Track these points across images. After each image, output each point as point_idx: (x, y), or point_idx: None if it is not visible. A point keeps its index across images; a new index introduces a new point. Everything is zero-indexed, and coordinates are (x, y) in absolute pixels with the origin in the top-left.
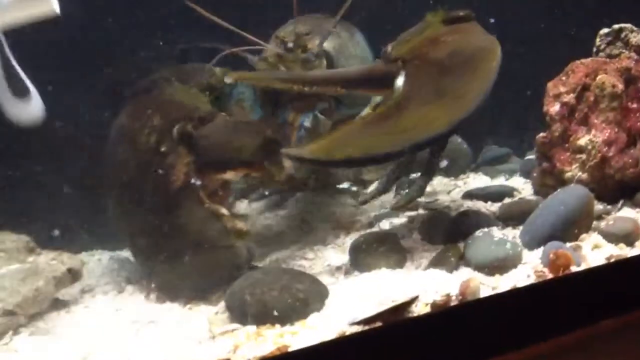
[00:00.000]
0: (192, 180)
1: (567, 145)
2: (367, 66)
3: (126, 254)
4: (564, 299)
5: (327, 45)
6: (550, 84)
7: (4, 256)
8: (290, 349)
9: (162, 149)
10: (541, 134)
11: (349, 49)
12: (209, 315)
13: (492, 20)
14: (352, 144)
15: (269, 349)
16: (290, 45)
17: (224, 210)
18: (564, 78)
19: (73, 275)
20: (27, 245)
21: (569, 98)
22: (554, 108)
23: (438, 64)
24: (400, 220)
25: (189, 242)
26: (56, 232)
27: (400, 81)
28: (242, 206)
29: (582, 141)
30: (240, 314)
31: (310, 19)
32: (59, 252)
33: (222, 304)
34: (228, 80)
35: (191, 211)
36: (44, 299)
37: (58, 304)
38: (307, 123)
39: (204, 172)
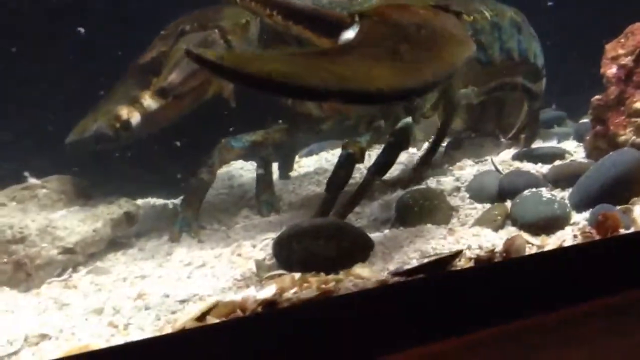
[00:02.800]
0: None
1: (622, 108)
2: (319, 7)
3: (179, 202)
4: (611, 260)
5: None
6: (608, 46)
7: (64, 198)
8: (333, 296)
9: (163, 32)
10: (596, 97)
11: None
12: (257, 261)
13: None
14: (273, 65)
15: (313, 294)
16: None
17: (145, 102)
18: (622, 40)
19: (129, 219)
20: (87, 189)
21: (627, 60)
22: (611, 70)
23: (400, 28)
24: (447, 178)
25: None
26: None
27: (349, 34)
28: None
29: (639, 105)
30: (287, 261)
31: None
32: (116, 196)
33: (269, 251)
34: None
35: (131, 87)
36: (101, 240)
37: (115, 245)
38: None
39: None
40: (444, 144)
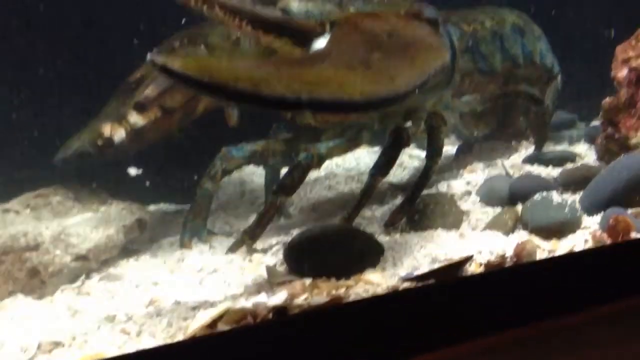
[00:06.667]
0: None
1: (633, 111)
2: (289, 17)
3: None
4: (623, 264)
5: (297, 5)
6: (619, 48)
7: (78, 205)
8: (344, 302)
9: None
10: (607, 99)
11: None
12: (268, 267)
13: None
14: (241, 74)
15: (323, 300)
16: None
17: (131, 118)
18: (633, 42)
19: (141, 225)
20: (100, 195)
21: (638, 63)
22: (622, 73)
23: (371, 36)
24: (458, 182)
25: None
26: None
27: (320, 44)
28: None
29: None
30: (298, 267)
31: None
32: (129, 202)
33: (280, 257)
34: None
35: (120, 104)
36: (114, 246)
37: (127, 252)
38: None
39: None
40: (454, 147)
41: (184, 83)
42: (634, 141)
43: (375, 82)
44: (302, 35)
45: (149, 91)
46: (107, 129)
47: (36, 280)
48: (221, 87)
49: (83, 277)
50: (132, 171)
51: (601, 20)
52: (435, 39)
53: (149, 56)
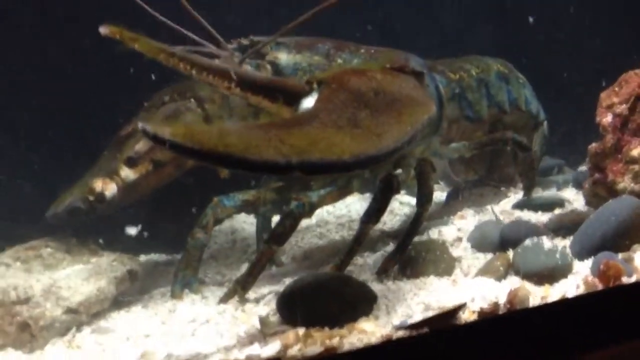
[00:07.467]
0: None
1: (619, 156)
2: (277, 77)
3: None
4: (615, 310)
5: (285, 57)
6: (603, 95)
7: (68, 257)
8: (338, 352)
9: (146, 104)
10: (593, 145)
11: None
12: (261, 317)
13: None
14: (230, 140)
15: (317, 350)
16: (233, 46)
17: (122, 173)
18: (617, 89)
19: (132, 276)
20: (91, 247)
21: (622, 109)
22: (607, 119)
23: (358, 95)
24: (449, 228)
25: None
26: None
27: (308, 102)
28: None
29: (635, 152)
30: (291, 316)
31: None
32: (119, 253)
33: (273, 307)
34: (103, 31)
35: (112, 158)
36: (105, 299)
37: (118, 303)
38: None
39: None
40: (443, 194)
41: (174, 151)
42: (621, 186)
43: (363, 141)
44: (290, 95)
45: (140, 145)
46: (98, 184)
47: (26, 334)
48: (212, 155)
49: (74, 330)
50: (132, 230)
51: (586, 67)
52: (421, 93)
53: (139, 125)
